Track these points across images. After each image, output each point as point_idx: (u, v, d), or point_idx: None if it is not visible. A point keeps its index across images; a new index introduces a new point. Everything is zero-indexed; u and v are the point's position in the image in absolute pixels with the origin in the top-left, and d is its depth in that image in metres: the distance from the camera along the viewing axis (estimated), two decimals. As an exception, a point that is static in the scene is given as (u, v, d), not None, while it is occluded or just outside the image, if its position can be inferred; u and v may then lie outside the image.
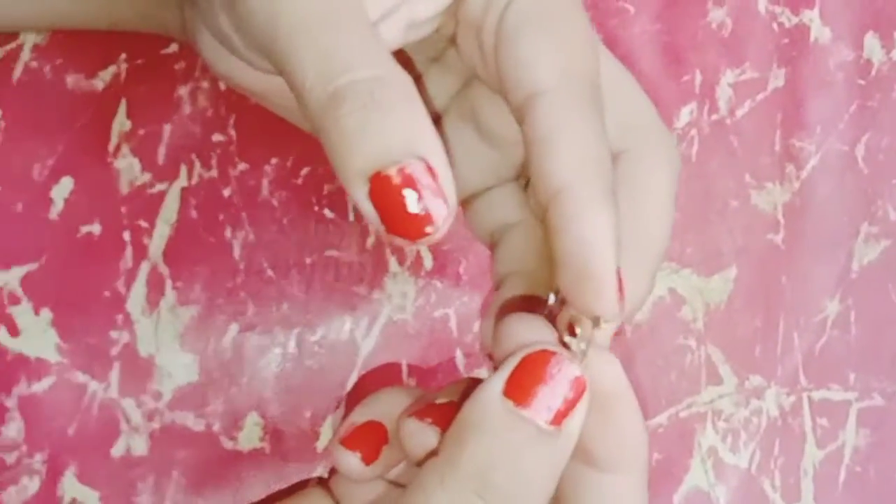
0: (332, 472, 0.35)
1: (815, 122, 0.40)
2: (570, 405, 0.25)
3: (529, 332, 0.26)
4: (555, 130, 0.25)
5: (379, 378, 0.37)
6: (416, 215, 0.23)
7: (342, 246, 0.37)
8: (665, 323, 0.38)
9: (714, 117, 0.39)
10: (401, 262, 0.37)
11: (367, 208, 0.23)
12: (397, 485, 0.32)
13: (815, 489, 0.38)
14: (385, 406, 0.31)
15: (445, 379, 0.36)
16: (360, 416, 0.31)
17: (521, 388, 0.24)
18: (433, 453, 0.26)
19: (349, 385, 0.37)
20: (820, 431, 0.38)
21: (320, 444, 0.37)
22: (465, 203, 0.32)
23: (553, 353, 0.25)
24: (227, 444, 0.36)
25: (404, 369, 0.37)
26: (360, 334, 0.37)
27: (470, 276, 0.38)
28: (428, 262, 0.38)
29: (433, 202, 0.23)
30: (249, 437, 0.36)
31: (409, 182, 0.22)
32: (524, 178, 0.31)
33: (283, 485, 0.36)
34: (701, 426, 0.38)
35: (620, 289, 0.25)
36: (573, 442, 0.25)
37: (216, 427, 0.36)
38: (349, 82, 0.23)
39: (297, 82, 0.23)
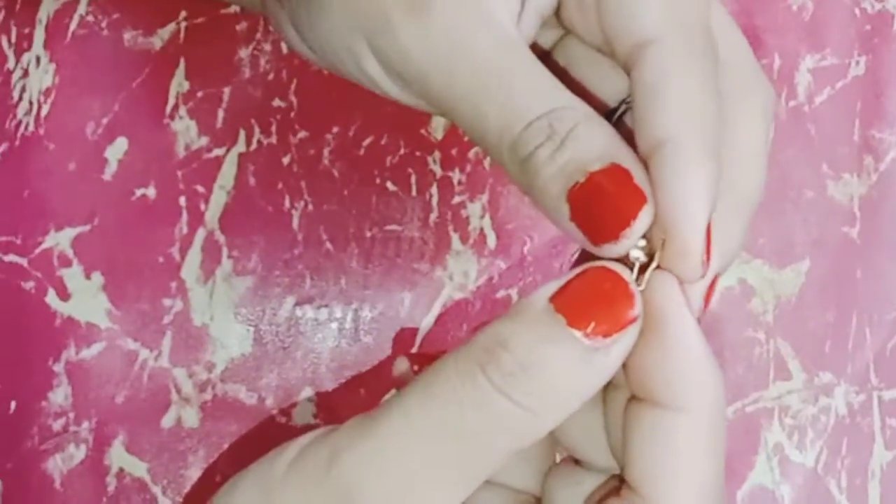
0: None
1: (895, 112, 0.38)
2: (615, 328, 0.23)
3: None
4: (663, 80, 0.24)
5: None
6: (617, 217, 0.23)
7: (404, 221, 0.36)
8: (734, 314, 0.37)
9: (792, 104, 0.38)
10: (464, 241, 0.36)
11: (572, 229, 0.23)
12: None
13: (882, 491, 0.37)
14: None
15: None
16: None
17: (568, 297, 0.23)
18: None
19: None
20: (889, 432, 0.37)
21: (375, 424, 0.35)
22: None
23: (611, 271, 0.23)
24: (280, 420, 0.35)
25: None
26: (419, 312, 0.36)
27: (535, 257, 0.36)
28: (492, 241, 0.36)
29: (631, 200, 0.23)
30: (303, 413, 0.35)
31: (604, 186, 0.23)
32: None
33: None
34: (767, 422, 0.37)
35: (708, 251, 0.24)
36: (608, 368, 0.23)
37: (269, 401, 0.35)
38: (528, 125, 0.23)
39: (481, 137, 0.24)
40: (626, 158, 0.23)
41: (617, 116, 0.30)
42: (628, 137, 0.25)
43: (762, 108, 0.27)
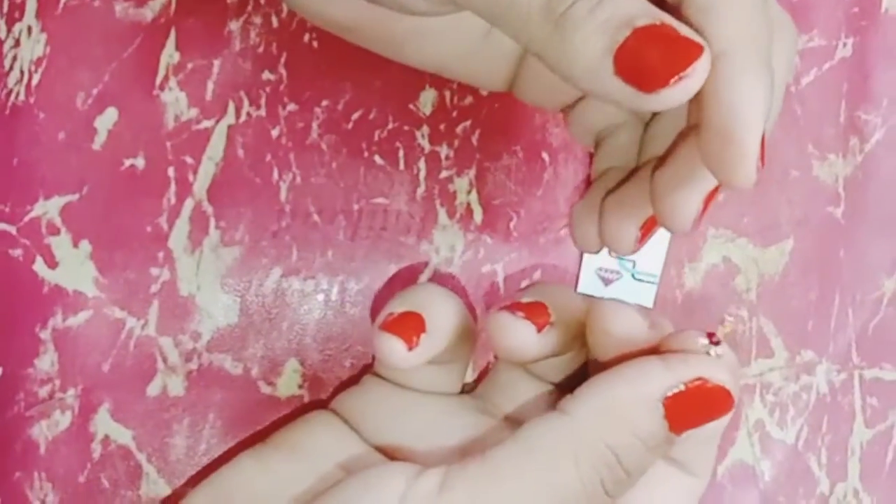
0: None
1: (881, 94, 0.39)
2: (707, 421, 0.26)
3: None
4: None
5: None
6: (673, 61, 0.23)
7: (391, 194, 0.36)
8: (717, 292, 0.37)
9: (779, 84, 0.38)
10: (451, 215, 0.36)
11: (618, 86, 0.23)
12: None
13: (861, 469, 0.37)
14: (420, 298, 0.31)
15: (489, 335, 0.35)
16: (398, 306, 0.31)
17: (680, 412, 0.26)
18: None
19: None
20: (869, 411, 0.37)
21: (360, 395, 0.36)
22: (571, 106, 0.34)
23: (727, 395, 0.26)
24: (265, 390, 0.35)
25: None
26: (405, 286, 0.36)
27: (520, 233, 0.37)
28: (478, 216, 0.37)
29: (687, 46, 0.23)
30: (288, 383, 0.35)
31: (656, 34, 0.22)
32: None
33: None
34: (749, 399, 0.37)
35: (762, 157, 0.24)
36: None
37: (254, 372, 0.35)
38: None
39: (509, 4, 0.23)
40: (669, 19, 0.23)
41: None
42: None
43: (789, 42, 0.28)
